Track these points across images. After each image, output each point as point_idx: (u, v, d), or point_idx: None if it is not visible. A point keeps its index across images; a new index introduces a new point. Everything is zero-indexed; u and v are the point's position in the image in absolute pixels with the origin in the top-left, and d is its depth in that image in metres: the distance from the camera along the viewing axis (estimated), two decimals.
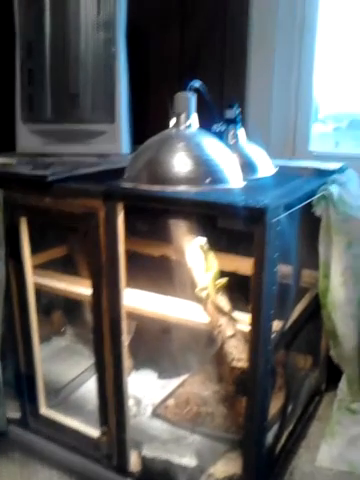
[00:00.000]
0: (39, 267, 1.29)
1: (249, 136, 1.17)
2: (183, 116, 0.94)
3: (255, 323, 0.84)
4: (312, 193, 1.01)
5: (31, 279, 1.10)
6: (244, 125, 1.28)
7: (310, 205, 1.03)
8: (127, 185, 0.92)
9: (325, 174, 1.11)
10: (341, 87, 1.48)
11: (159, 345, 1.40)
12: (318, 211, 1.03)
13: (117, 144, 1.25)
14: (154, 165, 0.90)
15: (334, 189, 1.04)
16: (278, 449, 1.12)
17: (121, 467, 1.09)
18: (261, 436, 0.97)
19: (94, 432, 1.11)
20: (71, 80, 1.23)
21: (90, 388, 1.25)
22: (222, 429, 1.17)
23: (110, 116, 1.24)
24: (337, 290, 1.10)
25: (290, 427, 1.20)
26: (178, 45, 1.46)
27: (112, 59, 1.22)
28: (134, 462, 1.09)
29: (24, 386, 1.19)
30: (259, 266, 0.80)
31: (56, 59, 1.23)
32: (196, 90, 0.98)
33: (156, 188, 0.88)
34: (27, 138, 1.26)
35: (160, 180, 0.89)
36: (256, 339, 0.85)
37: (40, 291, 1.26)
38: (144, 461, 1.08)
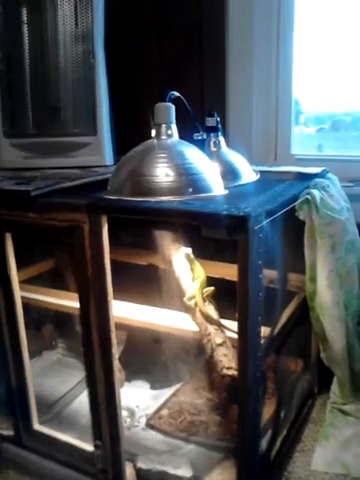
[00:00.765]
0: (27, 282, 1.28)
1: (231, 143, 1.18)
2: (164, 126, 0.95)
3: (243, 330, 0.84)
4: (294, 198, 1.01)
5: (18, 294, 1.09)
6: (225, 133, 1.30)
7: (293, 210, 1.03)
8: (111, 197, 0.92)
9: (307, 178, 1.12)
10: (322, 87, 1.50)
11: (150, 355, 1.40)
12: (301, 215, 1.04)
13: (100, 156, 1.25)
14: (136, 176, 0.91)
15: (316, 193, 1.05)
16: (273, 454, 1.12)
17: None
18: (255, 443, 0.97)
19: (88, 446, 1.10)
20: (51, 93, 1.23)
21: (83, 402, 1.24)
22: (216, 437, 1.17)
23: (92, 128, 1.24)
24: (324, 293, 1.11)
25: (284, 432, 1.20)
26: (157, 56, 1.47)
27: (92, 71, 1.22)
28: (130, 475, 1.09)
29: (16, 403, 1.18)
30: (244, 273, 0.80)
31: (36, 72, 1.23)
32: (176, 100, 0.99)
33: (139, 199, 0.88)
34: (9, 152, 1.25)
35: (143, 191, 0.89)
36: (244, 346, 0.85)
37: (29, 306, 1.25)
38: (139, 473, 1.07)
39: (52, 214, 0.94)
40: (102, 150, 1.25)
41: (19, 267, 1.11)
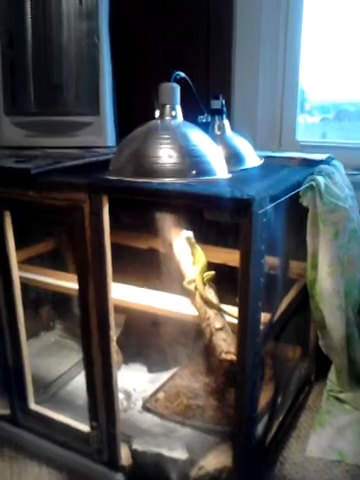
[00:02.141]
0: (26, 262, 1.27)
1: (235, 127, 1.16)
2: (168, 107, 0.94)
3: (243, 315, 0.83)
4: (299, 184, 1.00)
5: (17, 274, 1.09)
6: (230, 116, 1.28)
7: (297, 196, 1.02)
8: (112, 178, 0.91)
9: (312, 164, 1.11)
10: (328, 76, 1.47)
11: (148, 339, 1.39)
12: (305, 202, 1.03)
13: (102, 136, 1.24)
14: (139, 157, 0.89)
15: (321, 179, 1.04)
16: (268, 440, 1.12)
17: (112, 461, 1.09)
18: (251, 427, 0.97)
19: (84, 427, 1.10)
20: (54, 71, 1.21)
21: (80, 383, 1.24)
22: (212, 421, 1.18)
23: (94, 108, 1.22)
24: (325, 281, 1.10)
25: (280, 418, 1.20)
26: (163, 36, 1.44)
27: (96, 50, 1.20)
28: (125, 456, 1.09)
29: (12, 382, 1.18)
30: (246, 258, 0.79)
31: (38, 50, 1.21)
32: (181, 81, 0.97)
33: (141, 180, 0.87)
34: (10, 131, 1.23)
35: (145, 172, 0.88)
36: (244, 331, 0.84)
37: (28, 286, 1.24)
38: (135, 455, 1.07)
39: (52, 193, 0.93)
40: (104, 130, 1.24)
41: (19, 247, 1.10)
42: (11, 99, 1.24)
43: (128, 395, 1.30)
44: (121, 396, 1.27)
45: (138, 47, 1.47)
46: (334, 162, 1.17)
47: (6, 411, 1.22)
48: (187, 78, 0.99)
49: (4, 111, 1.23)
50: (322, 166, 1.10)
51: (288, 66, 1.42)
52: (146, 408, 1.25)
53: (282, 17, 1.38)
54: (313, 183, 1.02)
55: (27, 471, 1.15)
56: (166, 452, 1.04)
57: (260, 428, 1.08)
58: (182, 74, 0.97)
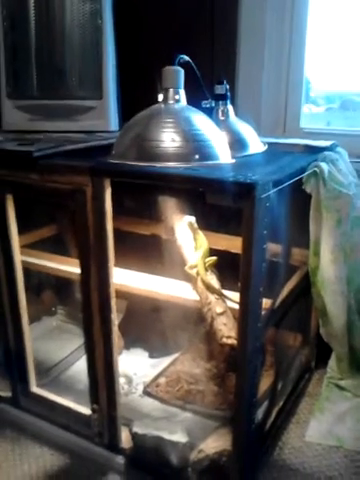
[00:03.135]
0: (29, 246, 1.28)
1: (239, 113, 1.15)
2: (171, 91, 0.93)
3: (244, 300, 0.83)
4: (302, 170, 1.00)
5: (19, 258, 1.09)
6: (234, 102, 1.27)
7: (300, 182, 1.02)
8: (115, 161, 0.90)
9: (316, 151, 1.10)
10: (334, 67, 1.46)
11: (150, 324, 1.40)
12: (308, 188, 1.03)
13: (105, 120, 1.23)
14: (142, 141, 0.89)
15: (325, 166, 1.03)
16: (268, 425, 1.13)
17: (112, 444, 1.10)
18: (251, 412, 0.98)
19: (85, 410, 1.11)
20: (57, 54, 1.20)
21: (81, 367, 1.24)
22: (213, 406, 1.18)
23: (98, 92, 1.21)
24: (327, 268, 1.10)
25: (280, 404, 1.21)
26: (167, 19, 1.43)
27: (99, 32, 1.19)
28: (125, 439, 1.10)
29: (14, 365, 1.19)
30: (248, 242, 0.79)
31: (41, 33, 1.19)
32: (185, 64, 0.96)
33: (144, 164, 0.87)
34: (13, 114, 1.22)
35: (148, 156, 0.88)
36: (245, 316, 0.85)
37: (30, 270, 1.24)
38: (135, 438, 1.08)
39: (54, 176, 0.93)
40: (107, 114, 1.23)
41: (21, 231, 1.10)
42: (14, 83, 1.23)
43: (129, 379, 1.31)
44: (122, 380, 1.28)
45: (142, 30, 1.46)
46: (338, 149, 1.16)
47: (8, 393, 1.23)
48: (191, 62, 0.98)
49: (7, 95, 1.22)
50: (326, 153, 1.09)
51: (293, 51, 1.40)
52: (147, 392, 1.26)
53: (288, 3, 1.37)
54: (317, 169, 1.01)
55: (28, 452, 1.16)
56: (166, 435, 1.05)
57: (260, 413, 1.08)
58: (186, 57, 0.96)
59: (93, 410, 1.09)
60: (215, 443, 1.02)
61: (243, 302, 0.84)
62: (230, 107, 1.11)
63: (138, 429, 1.08)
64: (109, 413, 1.07)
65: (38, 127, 1.22)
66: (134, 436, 1.08)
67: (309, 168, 1.02)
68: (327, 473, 1.09)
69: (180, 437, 1.04)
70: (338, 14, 1.39)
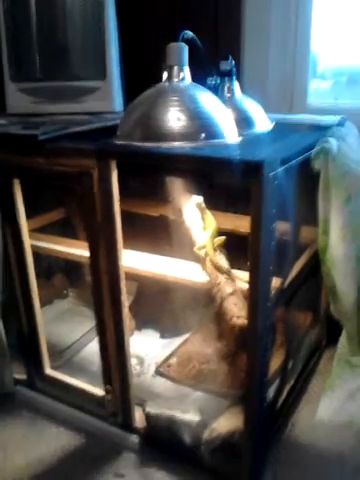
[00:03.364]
0: (38, 230, 1.28)
1: (245, 90, 1.13)
2: (176, 68, 0.91)
3: (254, 280, 0.83)
4: (310, 147, 0.97)
5: (28, 242, 1.09)
6: (240, 79, 1.24)
7: (309, 160, 1.00)
8: (120, 142, 0.89)
9: (324, 128, 1.08)
10: (341, 39, 1.42)
11: (161, 305, 1.40)
12: (317, 165, 1.00)
13: (109, 101, 1.21)
14: (147, 121, 0.87)
15: (333, 142, 1.01)
16: (279, 404, 1.14)
17: (126, 424, 1.12)
18: (262, 391, 0.99)
19: (99, 391, 1.13)
20: (59, 34, 1.18)
21: (93, 349, 1.25)
22: (224, 385, 1.19)
23: (101, 72, 1.19)
24: (336, 246, 1.09)
25: (291, 382, 1.22)
26: None
27: (101, 11, 1.16)
28: (139, 419, 1.12)
29: (28, 348, 1.21)
30: (256, 222, 0.78)
31: (42, 13, 1.17)
32: (189, 41, 0.94)
33: (150, 145, 0.86)
34: (17, 97, 1.22)
35: (154, 136, 0.86)
36: (255, 296, 0.84)
37: (40, 255, 1.25)
38: (148, 418, 1.10)
39: (60, 159, 0.92)
40: (111, 95, 1.21)
41: (29, 216, 1.10)
42: (16, 65, 1.22)
43: (141, 360, 1.32)
44: (134, 361, 1.29)
45: (145, 7, 1.42)
46: (347, 124, 1.13)
47: (23, 376, 1.26)
48: (195, 38, 0.96)
49: (10, 78, 1.21)
50: (335, 128, 1.07)
51: (300, 27, 1.37)
52: (159, 373, 1.27)
53: None
54: (326, 145, 0.99)
55: (45, 432, 1.18)
56: (179, 415, 1.07)
57: (271, 392, 1.09)
58: (190, 33, 0.94)
59: (106, 391, 1.10)
60: (227, 422, 1.03)
61: (252, 281, 0.83)
62: (236, 84, 1.09)
63: (151, 409, 1.09)
64: (122, 394, 1.09)
65: (42, 110, 1.21)
66: (147, 416, 1.10)
67: (318, 144, 1.00)
68: (338, 450, 1.10)
69: (192, 416, 1.06)
70: None
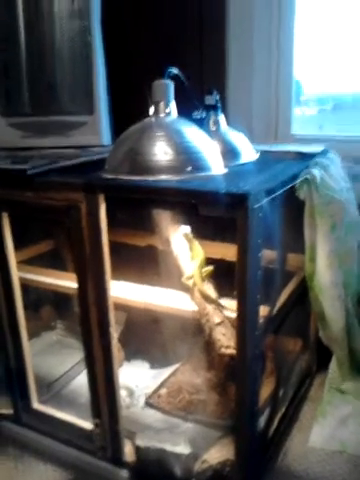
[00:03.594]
0: (26, 262, 1.28)
1: (230, 122, 1.16)
2: (162, 104, 0.94)
3: (241, 309, 0.84)
4: (295, 177, 1.00)
5: (16, 274, 1.09)
6: (225, 111, 1.27)
7: (293, 189, 1.02)
8: (108, 176, 0.91)
9: (307, 157, 1.11)
10: (325, 68, 1.47)
11: (150, 336, 1.40)
12: (301, 195, 1.03)
13: (97, 135, 1.24)
14: (134, 155, 0.89)
15: (317, 172, 1.04)
16: (271, 432, 1.13)
17: (116, 458, 1.10)
18: (253, 421, 0.98)
19: (87, 424, 1.11)
20: (48, 71, 1.21)
21: (82, 381, 1.24)
22: (215, 416, 1.18)
23: (89, 107, 1.22)
24: (323, 273, 1.11)
25: (282, 410, 1.21)
26: (155, 33, 1.44)
27: (88, 48, 1.20)
28: (128, 452, 1.10)
29: (15, 382, 1.19)
30: (242, 252, 0.79)
31: (31, 50, 1.21)
32: (174, 77, 0.97)
33: (137, 178, 0.87)
34: (5, 131, 1.24)
35: (141, 170, 0.88)
36: (243, 325, 0.85)
37: (28, 286, 1.25)
38: (138, 451, 1.08)
39: (49, 193, 0.93)
40: (99, 129, 1.24)
41: (18, 247, 1.10)
42: (6, 100, 1.24)
43: (131, 392, 1.31)
44: (124, 393, 1.28)
45: (131, 44, 1.47)
46: (329, 154, 1.17)
47: (10, 411, 1.23)
48: (180, 74, 0.99)
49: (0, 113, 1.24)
50: (318, 159, 1.10)
51: (282, 59, 1.42)
52: (149, 404, 1.26)
53: (275, 10, 1.38)
54: (308, 176, 1.02)
55: (32, 469, 1.15)
56: (169, 447, 1.05)
57: (262, 421, 1.08)
58: (175, 71, 0.97)
59: (95, 424, 1.09)
60: (218, 453, 1.02)
61: (240, 311, 0.84)
62: (221, 117, 1.12)
63: (141, 442, 1.08)
64: (111, 427, 1.07)
65: (31, 144, 1.23)
66: (137, 449, 1.08)
67: (301, 175, 1.02)
68: (331, 479, 1.09)
69: (183, 448, 1.04)
70: (326, 16, 1.40)
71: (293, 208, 1.08)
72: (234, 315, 0.88)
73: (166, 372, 1.37)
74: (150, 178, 0.87)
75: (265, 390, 1.13)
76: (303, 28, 1.39)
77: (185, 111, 1.01)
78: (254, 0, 1.33)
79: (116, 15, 1.40)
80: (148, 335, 1.40)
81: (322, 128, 1.52)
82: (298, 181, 1.02)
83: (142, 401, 1.27)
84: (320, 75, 1.49)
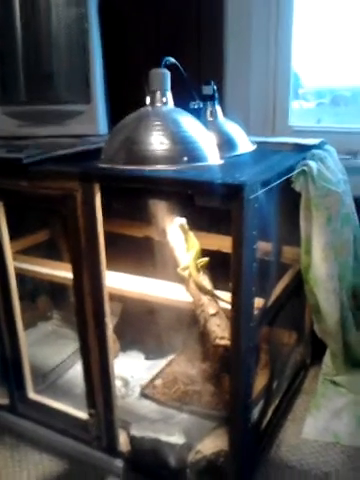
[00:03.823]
0: (22, 252, 1.28)
1: (228, 113, 1.16)
2: (158, 93, 0.93)
3: (236, 300, 0.84)
4: (291, 169, 1.00)
5: (12, 264, 1.09)
6: (222, 103, 1.27)
7: (289, 181, 1.02)
8: (104, 166, 0.91)
9: (304, 149, 1.11)
10: (324, 62, 1.46)
11: (145, 326, 1.40)
12: (297, 187, 1.03)
13: (94, 125, 1.23)
14: (130, 144, 0.89)
15: (313, 164, 1.04)
16: (264, 424, 1.14)
17: (111, 447, 1.11)
18: (246, 412, 0.99)
19: (83, 414, 1.11)
20: (44, 59, 1.20)
21: (78, 371, 1.24)
22: (209, 406, 1.19)
23: (86, 96, 1.22)
24: (318, 266, 1.11)
25: (276, 402, 1.22)
26: (153, 22, 1.43)
27: (85, 36, 1.19)
28: (123, 442, 1.10)
29: (11, 372, 1.19)
30: (237, 243, 0.79)
31: (27, 38, 1.19)
32: (172, 66, 0.96)
33: (133, 168, 0.87)
34: (1, 120, 1.23)
35: (137, 160, 0.88)
36: (237, 316, 0.85)
37: (24, 276, 1.24)
38: (133, 441, 1.09)
39: (44, 182, 0.93)
40: (96, 119, 1.23)
41: (14, 237, 1.10)
42: (2, 88, 1.24)
43: (126, 382, 1.31)
44: (119, 383, 1.28)
45: (129, 33, 1.46)
46: (326, 147, 1.17)
47: (6, 401, 1.23)
48: (177, 63, 0.98)
49: None
50: (314, 151, 1.10)
51: (280, 50, 1.41)
52: (144, 395, 1.26)
53: (273, 2, 1.37)
54: (305, 168, 1.02)
55: (28, 458, 1.16)
56: (163, 437, 1.06)
57: (256, 412, 1.09)
58: (172, 59, 0.96)
59: (90, 414, 1.09)
60: (212, 444, 1.02)
61: (235, 302, 0.84)
62: (218, 108, 1.11)
63: (136, 432, 1.08)
64: (106, 417, 1.08)
65: (27, 133, 1.22)
66: (132, 439, 1.08)
67: (298, 167, 1.02)
68: (324, 469, 1.09)
69: (177, 439, 1.05)
70: (325, 8, 1.39)
71: (289, 200, 1.07)
72: (229, 306, 0.88)
73: (161, 363, 1.38)
74: (146, 168, 0.86)
75: (259, 382, 1.13)
76: (302, 21, 1.38)
77: (182, 101, 1.00)
78: None
79: (113, 2, 1.39)
80: (143, 326, 1.40)
81: (320, 121, 1.52)
82: (295, 173, 1.02)
83: (137, 391, 1.28)
84: (319, 68, 1.49)
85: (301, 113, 1.52)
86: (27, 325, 1.26)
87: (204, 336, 1.00)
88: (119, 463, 1.10)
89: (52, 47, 1.20)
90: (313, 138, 1.18)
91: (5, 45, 1.21)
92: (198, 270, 1.06)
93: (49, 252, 1.42)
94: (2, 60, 1.22)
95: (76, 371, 1.33)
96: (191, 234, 1.13)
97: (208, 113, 1.10)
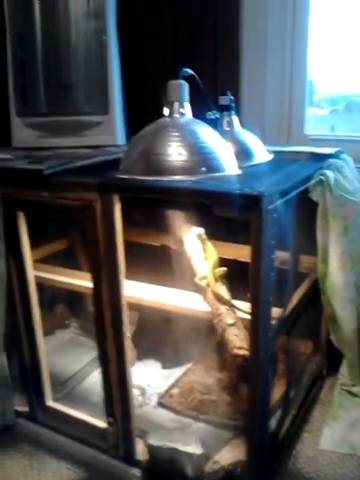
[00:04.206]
0: (41, 261, 1.29)
1: (244, 123, 1.16)
2: (176, 104, 0.94)
3: (254, 310, 0.84)
4: (308, 178, 1.00)
5: (32, 273, 1.11)
6: (239, 112, 1.28)
7: (307, 190, 1.02)
8: (123, 176, 0.92)
9: (321, 159, 1.11)
10: (337, 68, 1.47)
11: (162, 335, 1.41)
12: (315, 196, 1.03)
13: (112, 135, 1.25)
14: (149, 155, 0.90)
15: (331, 173, 1.04)
16: (282, 434, 1.13)
17: (128, 456, 1.11)
18: (264, 422, 0.98)
19: (100, 423, 1.12)
20: (63, 71, 1.23)
21: (96, 379, 1.25)
22: (226, 416, 1.18)
23: (104, 107, 1.23)
24: (335, 275, 1.10)
25: (293, 412, 1.21)
26: (170, 34, 1.44)
27: (104, 48, 1.21)
28: (140, 451, 1.11)
29: (30, 380, 1.21)
30: (256, 253, 0.80)
31: (47, 50, 1.22)
32: (189, 78, 0.98)
33: (152, 178, 0.88)
34: (22, 132, 1.25)
35: (155, 170, 0.89)
36: (256, 326, 0.85)
37: (43, 285, 1.26)
38: (150, 450, 1.09)
39: (64, 193, 0.95)
40: (114, 129, 1.25)
41: (33, 246, 1.12)
42: (22, 100, 1.26)
43: (143, 391, 1.32)
44: (136, 392, 1.28)
45: (146, 45, 1.48)
46: (343, 156, 1.16)
47: (25, 408, 1.24)
48: (195, 75, 1.00)
49: (16, 113, 1.25)
50: (331, 160, 1.10)
51: (296, 59, 1.41)
52: (161, 404, 1.26)
53: (289, 11, 1.37)
54: (323, 177, 1.02)
55: (46, 466, 1.17)
56: (181, 447, 1.06)
57: (273, 422, 1.08)
58: (190, 71, 0.98)
59: (108, 423, 1.09)
60: (230, 454, 1.02)
61: (253, 313, 0.84)
62: (235, 117, 1.12)
63: (153, 441, 1.09)
64: (124, 425, 1.08)
65: (46, 143, 1.25)
66: (149, 448, 1.09)
67: (315, 176, 1.02)
68: None
69: (195, 448, 1.05)
70: (338, 15, 1.39)
71: (306, 209, 1.07)
72: (247, 316, 0.88)
73: (178, 372, 1.37)
74: (164, 178, 0.87)
75: (276, 392, 1.13)
76: (316, 28, 1.39)
77: (199, 112, 1.01)
78: (269, 1, 1.33)
79: (132, 16, 1.41)
80: (160, 335, 1.40)
81: (334, 128, 1.52)
82: (312, 182, 1.02)
83: (154, 400, 1.28)
84: (332, 75, 1.49)
85: (315, 120, 1.52)
86: (45, 333, 1.27)
87: (222, 346, 1.00)
88: (137, 472, 1.10)
89: (71, 60, 1.22)
90: (329, 147, 1.18)
91: (26, 58, 1.24)
92: (216, 280, 1.07)
93: (67, 261, 1.44)
94: (23, 73, 1.24)
95: (93, 379, 1.34)
96: (209, 244, 1.14)
97: (225, 123, 1.11)
